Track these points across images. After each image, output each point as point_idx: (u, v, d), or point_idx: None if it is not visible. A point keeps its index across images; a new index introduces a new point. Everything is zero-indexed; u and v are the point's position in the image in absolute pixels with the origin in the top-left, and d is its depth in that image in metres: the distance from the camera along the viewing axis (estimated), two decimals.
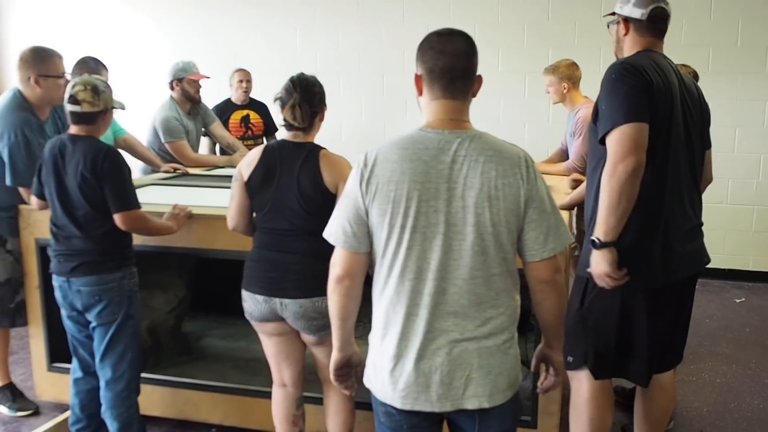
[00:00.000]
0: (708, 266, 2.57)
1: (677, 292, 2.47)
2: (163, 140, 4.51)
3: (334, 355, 2.01)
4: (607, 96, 2.29)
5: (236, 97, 5.41)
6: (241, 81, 5.38)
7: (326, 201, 2.48)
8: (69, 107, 2.73)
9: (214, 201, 3.32)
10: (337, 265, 1.88)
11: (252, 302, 2.59)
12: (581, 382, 2.54)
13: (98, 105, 2.74)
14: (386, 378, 1.85)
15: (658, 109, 2.27)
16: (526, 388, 3.22)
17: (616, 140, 2.22)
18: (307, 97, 2.53)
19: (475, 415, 1.85)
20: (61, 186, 2.77)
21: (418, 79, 1.86)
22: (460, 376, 1.81)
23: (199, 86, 4.67)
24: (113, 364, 2.87)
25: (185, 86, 4.59)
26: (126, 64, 5.91)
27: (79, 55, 4.13)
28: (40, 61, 3.29)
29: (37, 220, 3.30)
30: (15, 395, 3.60)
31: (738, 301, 5.37)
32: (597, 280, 2.35)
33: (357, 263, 1.87)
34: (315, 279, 2.44)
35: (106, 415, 2.92)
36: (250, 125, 5.43)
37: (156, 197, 3.44)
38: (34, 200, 2.97)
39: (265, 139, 5.58)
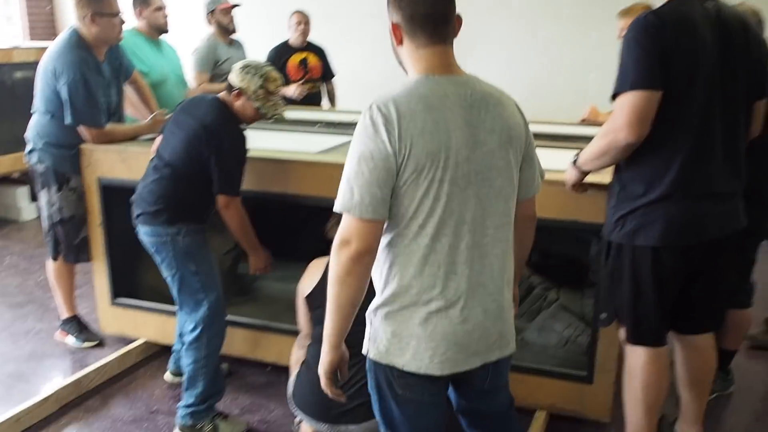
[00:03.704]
0: None
1: (697, 254, 2.35)
2: (191, 69, 4.64)
3: (330, 356, 1.81)
4: (624, 54, 2.20)
5: (294, 40, 5.35)
6: (299, 23, 5.31)
7: None
8: None
9: (269, 143, 3.32)
10: (355, 240, 1.65)
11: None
12: (634, 350, 2.48)
13: (234, 81, 2.78)
14: (421, 346, 1.74)
15: (676, 72, 2.15)
16: (582, 344, 3.19)
17: (620, 106, 2.18)
18: None
19: (489, 368, 1.82)
20: (172, 135, 2.81)
21: (395, 28, 1.76)
22: (493, 331, 1.78)
23: (232, 16, 4.75)
24: (184, 315, 2.91)
25: (218, 17, 4.72)
26: (183, 4, 5.91)
27: None
28: (96, 0, 3.28)
29: (99, 159, 3.35)
30: (81, 327, 3.73)
31: None
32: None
33: (378, 233, 1.68)
34: None
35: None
36: (309, 68, 5.39)
37: None
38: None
39: (324, 85, 5.57)
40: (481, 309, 1.75)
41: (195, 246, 2.80)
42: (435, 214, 1.68)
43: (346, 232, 1.66)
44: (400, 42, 1.76)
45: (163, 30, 4.24)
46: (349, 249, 1.65)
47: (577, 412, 2.91)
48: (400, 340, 1.76)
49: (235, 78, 2.77)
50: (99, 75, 3.32)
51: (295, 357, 2.77)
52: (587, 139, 3.72)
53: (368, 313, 1.82)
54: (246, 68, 2.77)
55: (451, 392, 1.97)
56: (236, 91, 2.77)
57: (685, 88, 2.18)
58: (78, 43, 3.29)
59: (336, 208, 1.68)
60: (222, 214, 2.81)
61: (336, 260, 1.68)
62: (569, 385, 2.89)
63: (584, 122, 4.31)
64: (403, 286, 1.73)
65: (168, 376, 3.34)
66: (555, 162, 2.98)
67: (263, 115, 2.84)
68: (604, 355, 2.81)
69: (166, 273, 2.84)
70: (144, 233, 2.82)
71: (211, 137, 2.71)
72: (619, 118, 2.17)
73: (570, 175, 2.51)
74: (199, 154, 2.72)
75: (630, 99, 2.14)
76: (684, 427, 2.71)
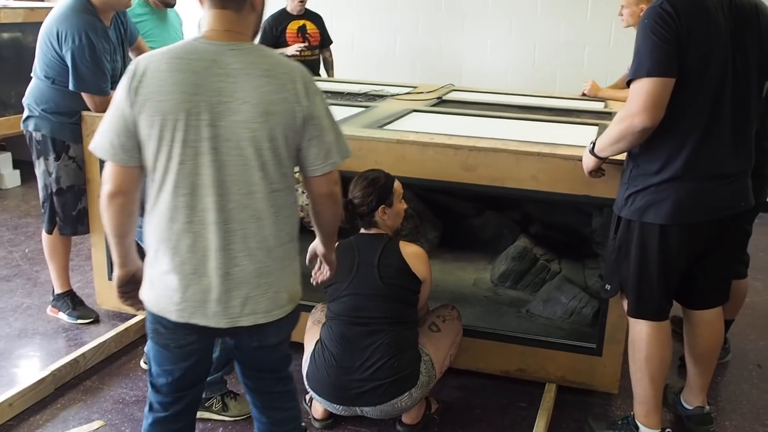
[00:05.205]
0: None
1: (704, 232, 2.42)
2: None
3: (116, 272, 1.94)
4: (639, 41, 2.27)
5: (292, 7, 5.33)
6: None
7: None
8: None
9: None
10: (108, 181, 1.79)
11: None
12: (637, 323, 2.53)
13: None
14: (161, 291, 1.83)
15: (690, 59, 2.22)
16: (587, 315, 3.22)
17: (636, 92, 2.24)
18: (358, 198, 2.62)
19: (253, 329, 1.87)
20: None
21: None
22: (237, 295, 1.81)
23: None
24: None
25: None
26: None
27: None
28: None
29: None
30: (75, 302, 3.62)
31: None
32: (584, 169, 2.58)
33: (128, 178, 1.78)
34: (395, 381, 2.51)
35: None
36: (308, 35, 5.34)
37: None
38: None
39: (320, 53, 5.53)
40: (223, 272, 1.79)
41: None
42: (170, 172, 1.74)
43: (104, 171, 1.81)
44: (201, 3, 1.81)
45: (170, 4, 4.12)
46: (105, 187, 1.79)
47: (587, 384, 2.95)
48: (150, 282, 1.87)
49: None
50: (106, 41, 3.21)
51: (310, 333, 2.76)
52: (590, 113, 3.79)
53: None
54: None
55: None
56: None
57: (698, 74, 2.25)
58: (85, 7, 3.17)
59: (90, 145, 1.83)
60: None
61: (101, 195, 1.82)
62: (579, 357, 2.92)
63: (584, 96, 4.33)
64: (150, 234, 1.83)
65: (143, 363, 3.21)
66: (564, 137, 3.00)
67: (307, 224, 2.91)
68: (613, 327, 2.84)
69: None
70: None
71: None
72: (634, 104, 2.23)
73: (587, 163, 2.55)
74: None
75: (645, 85, 2.20)
76: (689, 397, 2.78)
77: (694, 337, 2.67)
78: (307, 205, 2.80)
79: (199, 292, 1.81)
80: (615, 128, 2.32)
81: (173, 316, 1.84)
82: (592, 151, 2.49)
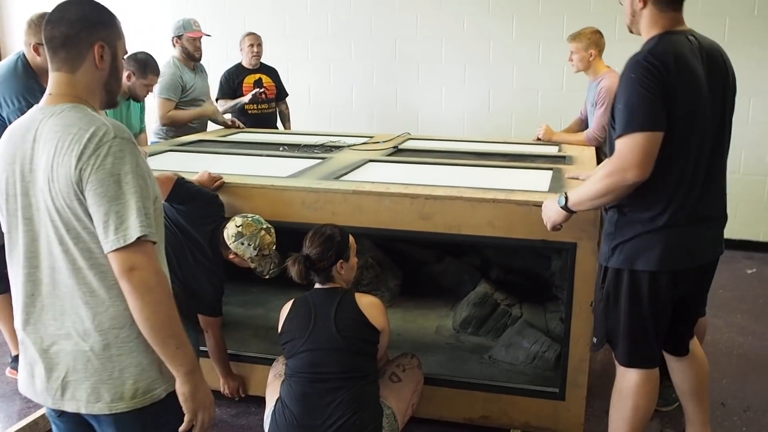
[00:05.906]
0: None
1: (690, 277, 2.43)
2: (156, 93, 4.53)
3: None
4: (626, 96, 2.23)
5: (247, 62, 5.42)
6: (252, 45, 5.36)
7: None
8: None
9: (237, 168, 3.27)
10: None
11: None
12: (627, 371, 2.50)
13: (229, 245, 2.84)
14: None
15: (679, 109, 2.21)
16: (549, 359, 3.22)
17: (627, 146, 2.19)
18: (317, 254, 2.59)
19: (92, 415, 1.73)
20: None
21: None
22: (57, 376, 1.70)
23: (199, 44, 4.73)
24: None
25: (184, 43, 4.69)
26: (131, 25, 5.77)
27: None
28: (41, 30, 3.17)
29: None
30: None
31: (749, 272, 5.36)
32: (545, 221, 2.54)
33: None
34: None
35: None
36: (264, 89, 5.39)
37: (173, 164, 3.37)
38: None
39: (277, 106, 5.60)
40: (42, 347, 1.71)
41: None
42: (8, 242, 1.73)
43: None
44: None
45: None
46: None
47: (551, 429, 2.92)
48: None
49: (229, 244, 2.82)
50: None
51: (271, 387, 2.71)
52: (545, 157, 3.84)
53: None
54: (239, 238, 2.80)
55: None
56: (233, 254, 2.84)
57: (685, 123, 2.24)
58: (24, 70, 3.19)
59: None
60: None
61: None
62: (542, 402, 2.90)
63: (539, 141, 4.39)
64: None
65: None
66: (520, 182, 3.03)
67: (260, 273, 2.92)
68: (575, 371, 2.83)
69: None
70: None
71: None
72: (627, 158, 2.19)
73: (556, 218, 2.49)
74: None
75: (639, 140, 2.17)
76: None
77: (684, 374, 2.67)
78: (257, 255, 2.82)
79: (28, 366, 1.75)
80: (601, 183, 2.27)
81: (20, 387, 1.81)
82: (565, 207, 2.43)
